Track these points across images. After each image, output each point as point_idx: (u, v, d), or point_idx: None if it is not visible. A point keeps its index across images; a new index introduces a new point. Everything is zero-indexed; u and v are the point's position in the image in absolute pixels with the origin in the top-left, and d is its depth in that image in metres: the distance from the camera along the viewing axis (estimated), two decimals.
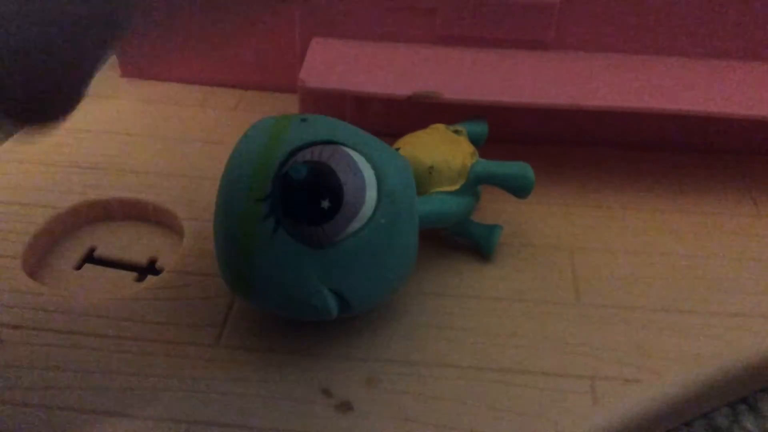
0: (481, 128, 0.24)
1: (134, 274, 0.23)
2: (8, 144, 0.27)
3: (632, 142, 0.28)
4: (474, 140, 0.24)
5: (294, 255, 0.17)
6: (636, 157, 0.27)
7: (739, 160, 0.27)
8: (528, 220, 0.24)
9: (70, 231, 0.24)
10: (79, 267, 0.23)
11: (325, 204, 0.17)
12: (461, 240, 0.23)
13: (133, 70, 0.32)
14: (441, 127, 0.23)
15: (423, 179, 0.21)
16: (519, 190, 0.21)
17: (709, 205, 0.25)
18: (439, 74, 0.25)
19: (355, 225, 0.17)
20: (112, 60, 0.32)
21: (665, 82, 0.25)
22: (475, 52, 0.26)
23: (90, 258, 0.23)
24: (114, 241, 0.24)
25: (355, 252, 0.17)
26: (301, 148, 0.18)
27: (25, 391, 0.18)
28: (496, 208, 0.24)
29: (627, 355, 0.19)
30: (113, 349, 0.20)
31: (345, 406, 0.18)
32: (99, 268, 0.23)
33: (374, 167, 0.18)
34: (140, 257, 0.23)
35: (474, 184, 0.22)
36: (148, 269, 0.23)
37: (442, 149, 0.21)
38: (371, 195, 0.18)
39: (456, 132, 0.23)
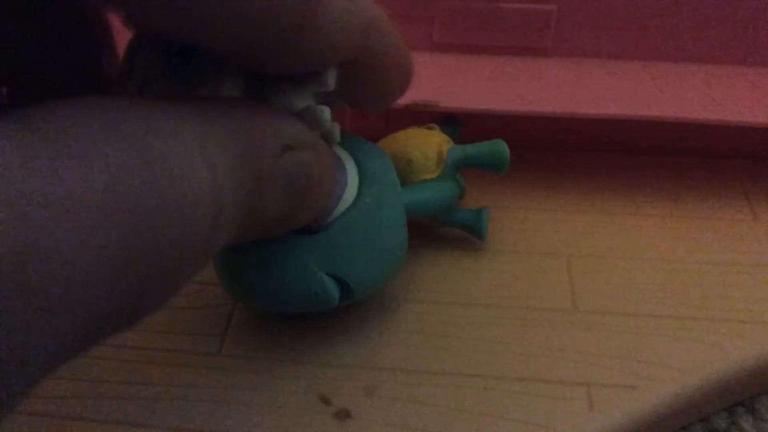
0: (452, 130, 0.25)
1: None
2: None
3: (629, 147, 0.28)
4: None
5: (288, 244, 0.18)
6: (632, 163, 0.27)
7: (736, 164, 0.27)
8: (524, 227, 0.24)
9: None
10: None
11: None
12: (454, 231, 0.24)
13: None
14: (412, 127, 0.24)
15: (403, 172, 0.21)
16: (496, 166, 0.22)
17: (705, 210, 0.25)
18: (436, 82, 0.25)
19: (342, 207, 0.18)
20: None
21: (662, 88, 0.25)
22: (473, 59, 0.26)
23: None
24: None
25: (347, 233, 0.18)
26: None
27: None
28: (493, 215, 0.25)
29: (623, 362, 0.20)
30: (113, 357, 0.20)
31: (343, 414, 0.18)
32: None
33: (351, 153, 0.19)
34: None
35: (452, 169, 0.22)
36: None
37: (416, 142, 0.22)
38: (353, 176, 0.18)
39: (428, 128, 0.24)
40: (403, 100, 0.24)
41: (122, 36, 0.15)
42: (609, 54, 0.27)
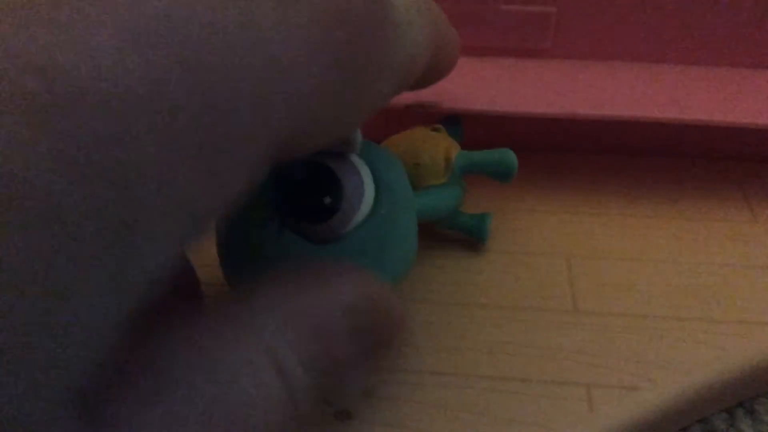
0: (455, 129, 0.25)
1: None
2: None
3: (628, 149, 0.28)
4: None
5: (302, 253, 0.18)
6: (632, 164, 0.28)
7: (736, 165, 0.27)
8: (525, 227, 0.25)
9: None
10: None
11: (327, 200, 0.17)
12: (454, 233, 0.24)
13: None
14: (419, 128, 0.24)
15: (411, 176, 0.21)
16: (503, 174, 0.22)
17: (705, 212, 0.25)
18: (437, 84, 0.25)
19: (359, 218, 0.18)
20: None
21: (662, 89, 0.25)
22: (473, 60, 0.26)
23: None
24: None
25: (362, 243, 0.18)
26: None
27: None
28: (493, 216, 0.25)
29: (623, 363, 0.20)
30: None
31: (344, 415, 0.18)
32: None
33: (367, 162, 0.19)
34: None
35: (460, 175, 0.22)
36: None
37: (425, 146, 0.22)
38: (369, 187, 0.18)
39: (434, 130, 0.23)
40: (404, 101, 0.24)
41: None
42: (608, 56, 0.27)
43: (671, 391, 0.19)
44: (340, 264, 0.16)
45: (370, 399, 0.19)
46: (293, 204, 0.17)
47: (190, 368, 0.12)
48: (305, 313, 0.14)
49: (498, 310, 0.21)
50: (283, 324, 0.13)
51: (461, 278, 0.22)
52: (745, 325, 0.21)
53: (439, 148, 0.22)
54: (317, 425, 0.18)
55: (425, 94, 0.24)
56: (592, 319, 0.21)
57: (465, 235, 0.24)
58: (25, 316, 0.08)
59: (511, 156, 0.22)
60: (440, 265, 0.23)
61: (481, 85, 0.25)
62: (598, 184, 0.27)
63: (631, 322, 0.21)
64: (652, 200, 0.26)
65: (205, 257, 0.23)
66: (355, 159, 0.18)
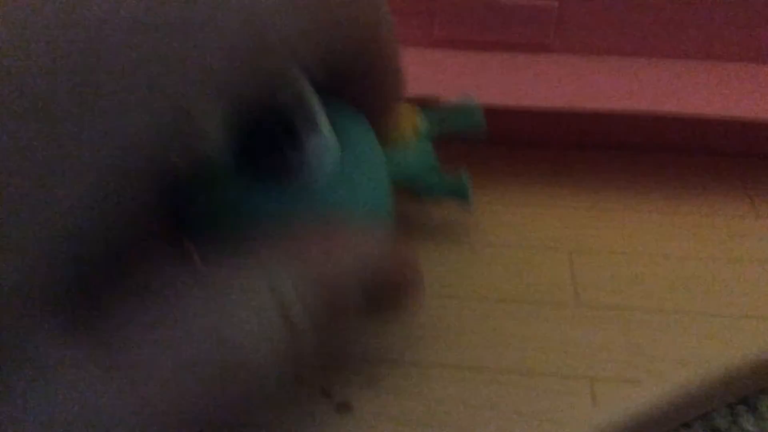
0: (431, 112, 0.25)
1: None
2: None
3: (630, 144, 0.28)
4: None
5: (274, 203, 0.17)
6: (634, 159, 0.27)
7: (737, 161, 0.27)
8: (526, 222, 0.24)
9: None
10: None
11: (290, 151, 0.17)
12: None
13: None
14: None
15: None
16: (471, 125, 0.22)
17: (706, 207, 0.25)
18: (437, 78, 0.25)
19: (325, 170, 0.17)
20: None
21: (664, 84, 0.25)
22: (474, 55, 0.26)
23: None
24: None
25: (331, 188, 0.17)
26: None
27: None
28: (496, 210, 0.25)
29: (626, 357, 0.19)
30: None
31: (344, 407, 0.18)
32: None
33: (327, 112, 0.18)
34: None
35: (427, 135, 0.22)
36: None
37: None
38: (330, 134, 0.18)
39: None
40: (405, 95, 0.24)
41: None
42: (610, 50, 0.27)
43: (673, 384, 0.19)
44: (356, 219, 0.16)
45: (372, 392, 0.18)
46: (258, 160, 0.17)
47: (189, 296, 0.12)
48: (311, 259, 0.14)
49: (500, 303, 0.21)
50: (288, 266, 0.13)
51: (463, 272, 0.22)
52: (748, 319, 0.21)
53: (406, 121, 0.22)
54: (317, 418, 0.18)
55: (425, 88, 0.24)
56: (594, 312, 0.21)
57: (448, 197, 0.23)
58: (18, 195, 0.09)
59: (472, 103, 0.22)
60: (441, 259, 0.23)
61: (481, 80, 0.25)
62: (600, 179, 0.26)
63: (634, 315, 0.21)
64: (653, 195, 0.26)
65: None
66: (315, 108, 0.18)
